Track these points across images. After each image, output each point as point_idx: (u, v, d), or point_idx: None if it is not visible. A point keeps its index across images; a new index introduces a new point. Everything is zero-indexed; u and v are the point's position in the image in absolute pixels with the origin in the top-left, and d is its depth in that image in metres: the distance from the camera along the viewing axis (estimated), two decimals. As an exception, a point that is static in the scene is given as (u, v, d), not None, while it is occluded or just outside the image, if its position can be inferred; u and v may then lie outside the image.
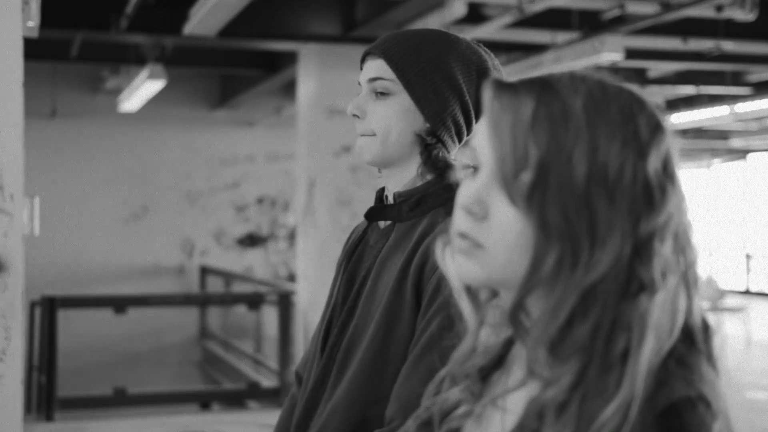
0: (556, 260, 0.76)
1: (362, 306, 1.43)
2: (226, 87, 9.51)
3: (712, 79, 8.44)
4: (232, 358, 7.94)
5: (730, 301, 12.55)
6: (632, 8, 5.80)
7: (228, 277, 8.75)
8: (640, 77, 8.36)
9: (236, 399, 5.80)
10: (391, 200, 1.48)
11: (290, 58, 7.20)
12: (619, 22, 5.79)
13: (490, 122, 0.81)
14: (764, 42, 6.62)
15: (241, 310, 8.08)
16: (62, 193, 8.93)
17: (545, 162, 0.76)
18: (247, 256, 9.69)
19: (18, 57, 2.21)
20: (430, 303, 1.33)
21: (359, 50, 1.59)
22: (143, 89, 7.11)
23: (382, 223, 1.50)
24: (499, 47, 7.10)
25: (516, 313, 0.80)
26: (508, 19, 5.34)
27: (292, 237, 9.57)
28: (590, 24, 6.03)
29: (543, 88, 0.80)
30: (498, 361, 0.91)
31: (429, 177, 1.45)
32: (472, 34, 5.87)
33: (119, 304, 5.71)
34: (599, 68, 0.86)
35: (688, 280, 0.79)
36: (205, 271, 9.37)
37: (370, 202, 1.53)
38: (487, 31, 5.83)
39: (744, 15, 5.41)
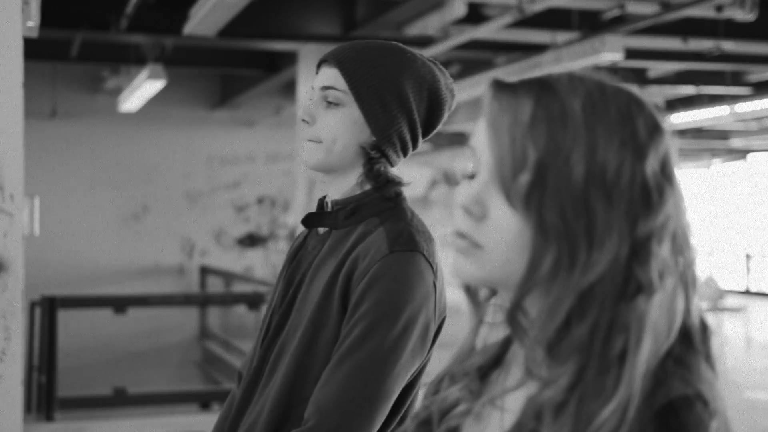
0: (553, 261, 0.76)
1: (296, 310, 1.47)
2: (226, 87, 9.51)
3: (712, 79, 8.43)
4: (232, 358, 7.94)
5: (730, 301, 12.55)
6: (632, 8, 5.79)
7: (228, 277, 8.75)
8: (640, 77, 8.36)
9: (236, 399, 5.78)
10: (329, 204, 1.52)
11: (290, 58, 7.21)
12: (619, 22, 5.79)
13: (488, 123, 0.81)
14: (764, 42, 6.62)
15: (241, 310, 8.09)
16: (62, 193, 8.92)
17: (543, 163, 0.76)
18: (247, 256, 9.69)
19: (18, 57, 2.21)
20: (354, 311, 1.37)
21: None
22: (143, 89, 7.11)
23: (321, 229, 1.54)
24: (499, 47, 7.11)
25: (514, 314, 0.80)
26: (508, 19, 5.33)
27: (292, 237, 9.58)
28: (590, 24, 6.03)
29: (542, 88, 0.80)
30: (496, 360, 0.91)
31: (367, 187, 1.48)
32: (472, 34, 5.87)
33: (119, 304, 5.71)
34: (598, 68, 0.86)
35: (686, 281, 0.80)
36: (205, 271, 9.37)
37: None
38: (487, 31, 5.83)
39: (744, 15, 5.41)
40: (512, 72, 6.43)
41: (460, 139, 12.01)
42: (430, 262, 1.41)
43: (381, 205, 1.47)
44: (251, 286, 7.59)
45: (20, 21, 2.22)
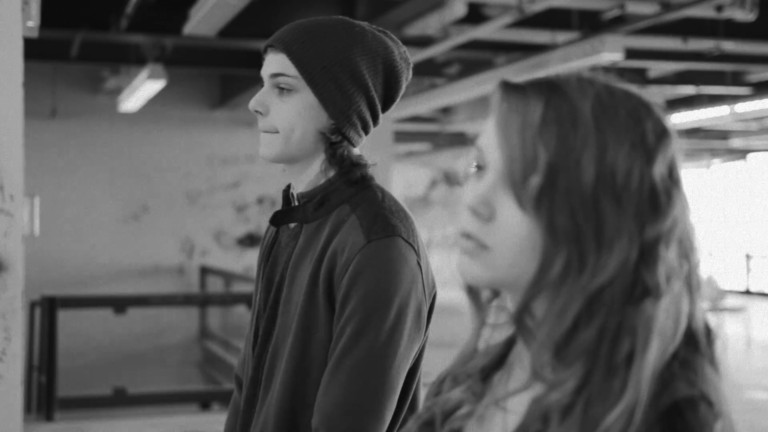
0: (563, 264, 0.76)
1: (281, 314, 1.42)
2: (226, 87, 9.51)
3: (712, 79, 8.43)
4: (232, 358, 7.94)
5: (730, 301, 12.54)
6: (632, 8, 5.79)
7: (228, 277, 8.75)
8: (640, 77, 8.36)
9: (236, 399, 5.79)
10: (295, 197, 1.47)
11: (290, 58, 7.19)
12: (619, 22, 5.79)
13: (498, 124, 0.81)
14: (764, 42, 6.62)
15: (241, 310, 8.08)
16: (62, 193, 8.92)
17: (554, 165, 0.76)
18: (247, 256, 9.68)
19: (18, 57, 2.21)
20: (343, 309, 1.33)
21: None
22: (143, 89, 7.11)
23: (292, 223, 1.48)
24: (499, 47, 7.11)
25: (521, 316, 0.80)
26: (508, 19, 5.33)
27: (292, 237, 9.56)
28: (590, 24, 6.03)
29: (551, 90, 0.80)
30: (499, 361, 0.91)
31: (331, 174, 1.43)
32: (472, 34, 5.87)
33: (119, 304, 5.71)
34: (596, 68, 0.86)
35: (691, 284, 0.80)
36: (205, 271, 9.37)
37: None
38: (487, 31, 5.83)
39: (744, 15, 5.41)
40: (512, 72, 6.43)
41: (460, 139, 12.02)
42: (410, 243, 1.36)
43: (348, 191, 1.41)
44: (251, 286, 7.57)
45: (20, 21, 2.22)
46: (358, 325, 1.31)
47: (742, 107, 8.27)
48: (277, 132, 1.41)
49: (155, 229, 9.38)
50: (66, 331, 5.90)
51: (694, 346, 0.79)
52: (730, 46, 6.51)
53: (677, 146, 0.80)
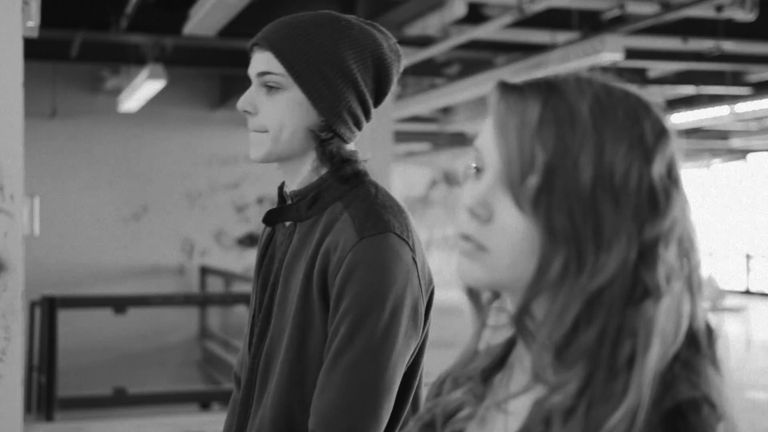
0: (562, 265, 0.75)
1: (276, 313, 1.40)
2: (226, 87, 9.51)
3: (712, 79, 8.44)
4: (232, 358, 7.94)
5: (730, 301, 12.54)
6: (632, 8, 5.80)
7: (228, 277, 8.75)
8: (640, 77, 8.36)
9: (236, 399, 5.79)
10: (288, 195, 1.45)
11: (290, 58, 7.19)
12: (619, 22, 5.79)
13: (496, 124, 0.80)
14: (764, 42, 6.62)
15: (241, 310, 8.08)
16: (62, 193, 8.92)
17: (552, 166, 0.76)
18: (247, 256, 9.68)
19: (18, 57, 2.21)
20: (336, 307, 1.31)
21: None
22: (143, 89, 7.11)
23: (287, 222, 1.46)
24: (499, 47, 7.11)
25: (521, 318, 0.80)
26: (508, 19, 5.34)
27: (292, 237, 9.57)
28: (590, 24, 6.03)
29: (549, 90, 0.79)
30: (499, 363, 0.91)
31: (323, 171, 1.41)
32: (472, 34, 5.87)
33: (119, 304, 5.71)
34: (595, 68, 0.86)
35: (692, 285, 0.79)
36: (205, 271, 9.37)
37: None
38: (487, 31, 5.83)
39: (744, 15, 5.41)
40: (513, 72, 6.43)
41: (460, 139, 12.02)
42: (404, 239, 1.33)
43: (341, 188, 1.39)
44: (251, 286, 7.57)
45: (20, 21, 2.22)
46: (353, 324, 1.29)
47: (742, 107, 8.27)
48: (266, 131, 1.39)
49: (155, 229, 9.38)
50: (66, 331, 5.90)
51: (696, 347, 0.79)
52: (730, 46, 6.51)
53: (676, 146, 0.80)
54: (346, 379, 1.29)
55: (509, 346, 0.91)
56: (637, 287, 0.76)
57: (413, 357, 1.37)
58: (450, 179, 12.53)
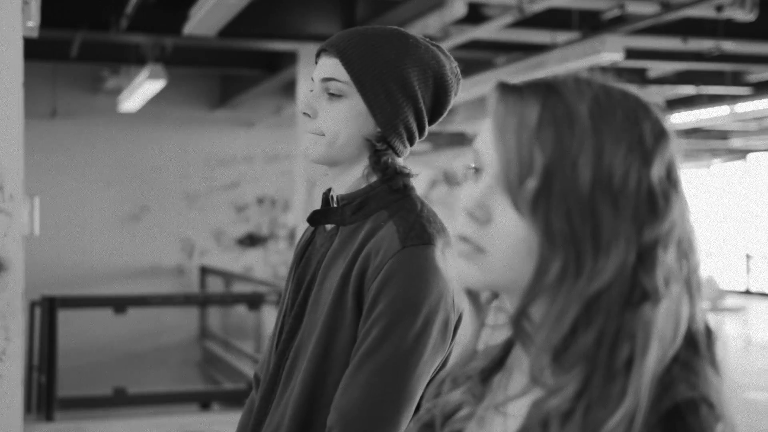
0: (560, 268, 0.75)
1: (309, 313, 1.42)
2: (226, 87, 9.51)
3: (712, 79, 8.44)
4: (232, 358, 7.94)
5: (730, 301, 12.55)
6: (632, 8, 5.80)
7: (228, 277, 8.75)
8: (640, 77, 8.36)
9: (236, 399, 5.79)
10: (334, 199, 1.47)
11: (290, 58, 7.20)
12: (619, 22, 5.79)
13: (494, 126, 0.80)
14: (764, 42, 6.62)
15: (241, 310, 8.08)
16: (62, 193, 8.92)
17: (550, 168, 0.76)
18: (246, 256, 9.69)
19: (18, 57, 2.21)
20: (370, 311, 1.32)
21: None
22: (143, 89, 7.11)
23: (329, 225, 1.48)
24: (499, 47, 7.11)
25: (519, 320, 0.80)
26: (508, 19, 5.33)
27: (291, 237, 9.57)
28: (590, 24, 6.03)
29: (548, 92, 0.79)
30: (499, 363, 0.91)
31: (373, 180, 1.43)
32: (472, 34, 5.87)
33: (119, 304, 5.70)
34: (595, 69, 0.86)
35: (691, 286, 0.79)
36: (205, 271, 9.37)
37: None
38: (487, 31, 5.83)
39: (744, 15, 5.41)
40: (513, 72, 6.43)
41: (460, 139, 12.02)
42: (444, 254, 1.34)
43: (389, 197, 1.41)
44: (251, 286, 7.58)
45: (20, 21, 2.22)
46: (384, 329, 1.30)
47: (742, 107, 8.27)
48: (322, 135, 1.41)
49: (155, 229, 9.39)
50: (66, 331, 5.90)
51: (695, 349, 0.79)
52: (730, 46, 6.51)
53: (676, 147, 0.80)
54: (370, 381, 1.30)
55: (508, 347, 0.91)
56: (636, 290, 0.75)
57: (435, 372, 1.37)
58: (450, 179, 12.53)
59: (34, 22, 2.50)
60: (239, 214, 9.76)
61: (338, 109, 1.40)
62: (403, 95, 1.40)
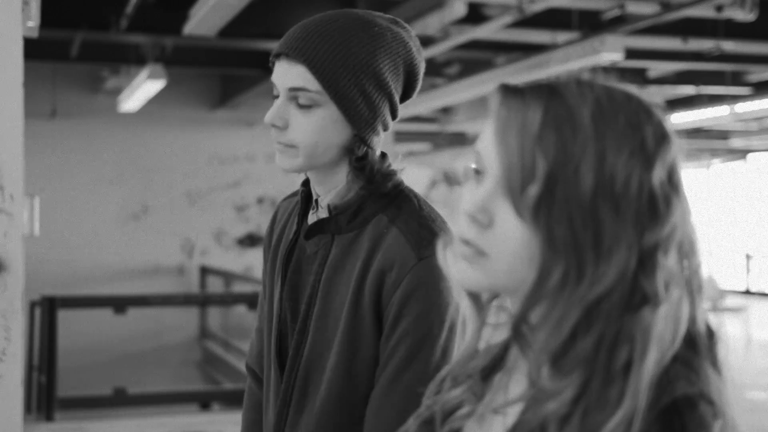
0: (561, 274, 0.75)
1: (315, 329, 1.36)
2: (226, 87, 9.51)
3: (712, 79, 8.43)
4: (232, 358, 7.93)
5: (730, 301, 12.54)
6: (632, 8, 5.79)
7: (228, 277, 8.75)
8: (640, 77, 8.36)
9: (236, 399, 5.79)
10: (322, 206, 1.39)
11: (290, 58, 7.19)
12: (619, 22, 5.79)
13: (497, 129, 0.80)
14: (764, 42, 6.62)
15: (241, 310, 8.08)
16: (62, 193, 8.92)
17: (553, 174, 0.75)
18: (247, 256, 9.68)
19: (18, 57, 2.21)
20: (393, 329, 1.28)
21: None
22: (143, 89, 7.11)
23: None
24: (499, 47, 7.11)
25: (519, 326, 0.80)
26: (508, 19, 5.33)
27: (292, 237, 9.56)
28: (590, 24, 6.03)
29: (551, 95, 0.79)
30: (499, 362, 0.91)
31: (361, 182, 1.36)
32: (472, 34, 5.87)
33: (119, 304, 5.70)
34: (597, 69, 0.85)
35: (692, 289, 0.79)
36: (205, 271, 9.37)
37: None
38: (487, 31, 5.82)
39: (744, 15, 5.41)
40: (513, 72, 6.43)
41: (460, 139, 12.02)
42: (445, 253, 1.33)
43: (382, 200, 1.35)
44: (251, 286, 7.58)
45: (20, 21, 2.22)
46: (411, 348, 1.27)
47: (742, 107, 8.27)
48: (295, 147, 1.33)
49: (155, 229, 9.38)
50: (66, 331, 5.89)
51: (695, 349, 0.79)
52: (730, 46, 6.51)
53: (677, 150, 0.79)
54: (405, 401, 1.26)
55: (509, 346, 0.91)
56: (636, 294, 0.75)
57: None
58: (450, 179, 12.52)
59: (34, 22, 2.50)
60: (240, 214, 9.75)
61: (311, 119, 1.31)
62: (379, 93, 1.32)
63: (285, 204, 1.55)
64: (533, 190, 0.76)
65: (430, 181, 12.66)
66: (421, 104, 8.37)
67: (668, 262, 0.76)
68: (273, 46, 7.08)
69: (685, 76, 8.46)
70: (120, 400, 5.32)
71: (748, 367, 8.89)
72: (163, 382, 8.49)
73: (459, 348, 1.31)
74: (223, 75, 9.44)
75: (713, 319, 0.83)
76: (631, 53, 6.43)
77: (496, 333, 0.90)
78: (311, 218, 1.42)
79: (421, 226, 1.32)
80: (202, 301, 8.24)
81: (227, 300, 8.01)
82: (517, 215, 0.77)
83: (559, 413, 0.74)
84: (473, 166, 0.83)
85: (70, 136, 9.06)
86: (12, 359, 2.17)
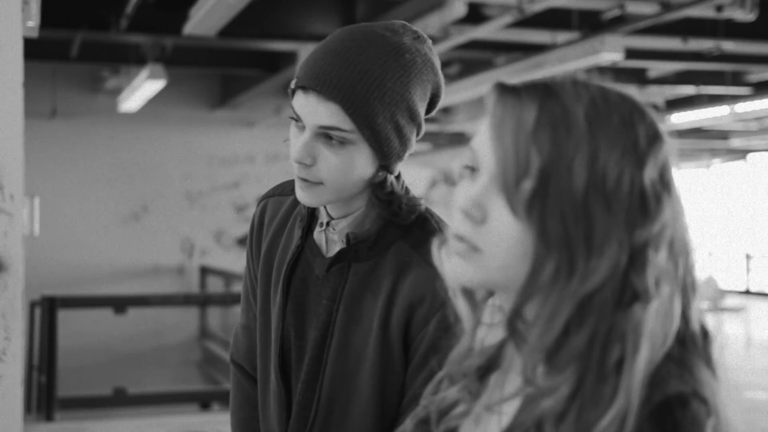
0: (553, 269, 0.76)
1: (334, 361, 1.31)
2: (226, 87, 9.51)
3: (712, 79, 8.44)
4: (232, 358, 7.93)
5: (730, 301, 12.54)
6: (632, 8, 5.80)
7: (228, 277, 8.75)
8: (640, 77, 8.36)
9: (236, 399, 5.79)
10: (335, 229, 1.34)
11: (290, 58, 7.20)
12: (619, 22, 5.79)
13: (492, 126, 0.81)
14: (764, 42, 6.62)
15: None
16: (62, 193, 8.92)
17: (546, 170, 0.77)
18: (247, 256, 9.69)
19: (18, 57, 2.21)
20: (423, 364, 1.26)
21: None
22: (143, 89, 7.11)
23: (323, 245, 1.36)
24: (499, 47, 7.11)
25: (513, 321, 0.80)
26: (508, 19, 5.33)
27: (292, 237, 9.56)
28: (590, 24, 6.03)
29: (546, 94, 0.80)
30: (495, 361, 0.91)
31: (379, 209, 1.31)
32: (472, 34, 5.87)
33: (119, 304, 5.71)
34: (593, 70, 0.86)
35: (686, 287, 0.80)
36: (205, 271, 9.37)
37: None
38: (487, 31, 5.83)
39: (744, 15, 5.41)
40: (513, 72, 6.43)
41: (460, 139, 12.01)
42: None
43: (402, 227, 1.31)
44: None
45: (20, 21, 2.22)
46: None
47: (742, 107, 8.27)
48: (322, 184, 1.27)
49: (155, 229, 9.38)
50: (66, 331, 5.90)
51: (689, 348, 0.79)
52: (730, 46, 6.51)
53: (670, 149, 0.80)
54: None
55: (504, 345, 0.91)
56: (627, 290, 0.76)
57: None
58: (450, 179, 12.53)
59: (34, 22, 2.51)
60: (240, 214, 9.75)
61: (341, 158, 1.25)
62: (411, 125, 1.28)
63: (274, 203, 1.49)
64: (527, 185, 0.77)
65: (430, 181, 12.67)
66: (421, 104, 8.36)
67: (658, 259, 0.77)
68: (273, 46, 7.04)
69: (685, 76, 8.46)
70: (120, 400, 5.33)
71: (747, 367, 8.89)
72: (163, 382, 8.49)
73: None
74: (223, 75, 9.45)
75: (708, 319, 0.83)
76: (631, 53, 6.43)
77: (491, 332, 0.90)
78: (317, 236, 1.37)
79: None
80: (202, 301, 8.24)
81: (227, 300, 8.00)
82: (511, 211, 0.78)
83: (555, 410, 0.75)
84: (468, 163, 0.84)
85: (70, 136, 9.07)
86: (12, 359, 2.17)
